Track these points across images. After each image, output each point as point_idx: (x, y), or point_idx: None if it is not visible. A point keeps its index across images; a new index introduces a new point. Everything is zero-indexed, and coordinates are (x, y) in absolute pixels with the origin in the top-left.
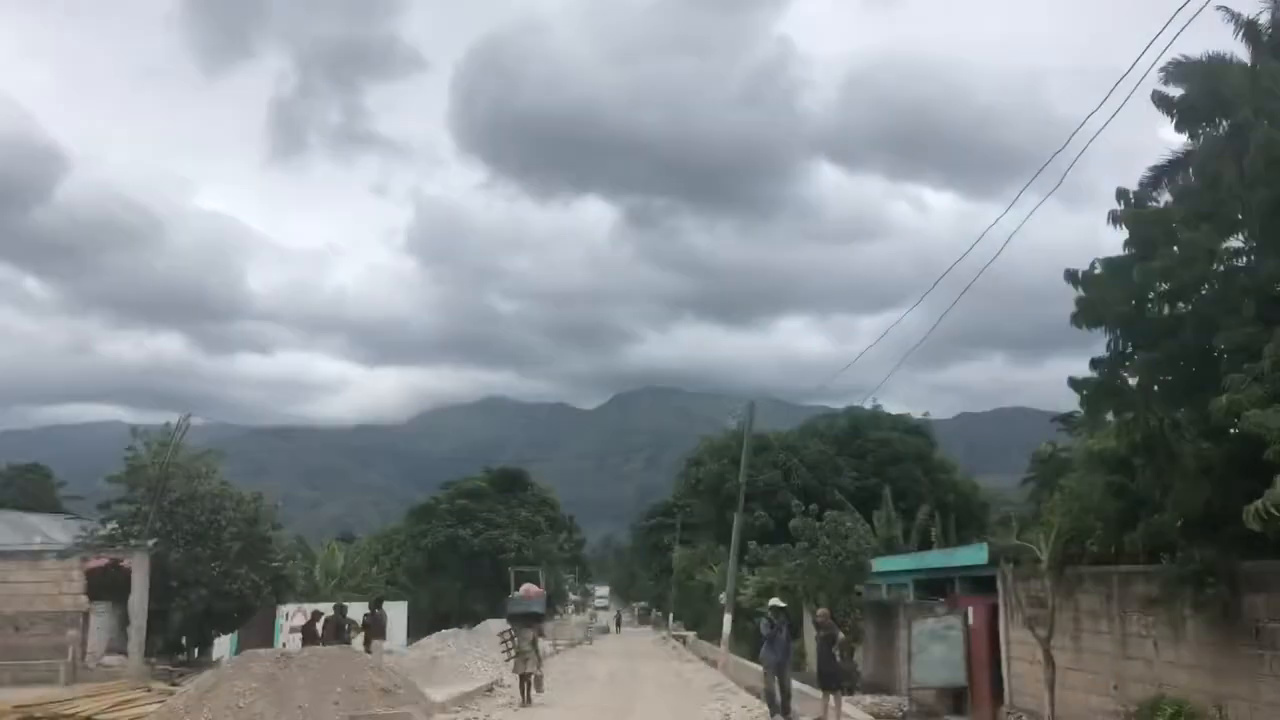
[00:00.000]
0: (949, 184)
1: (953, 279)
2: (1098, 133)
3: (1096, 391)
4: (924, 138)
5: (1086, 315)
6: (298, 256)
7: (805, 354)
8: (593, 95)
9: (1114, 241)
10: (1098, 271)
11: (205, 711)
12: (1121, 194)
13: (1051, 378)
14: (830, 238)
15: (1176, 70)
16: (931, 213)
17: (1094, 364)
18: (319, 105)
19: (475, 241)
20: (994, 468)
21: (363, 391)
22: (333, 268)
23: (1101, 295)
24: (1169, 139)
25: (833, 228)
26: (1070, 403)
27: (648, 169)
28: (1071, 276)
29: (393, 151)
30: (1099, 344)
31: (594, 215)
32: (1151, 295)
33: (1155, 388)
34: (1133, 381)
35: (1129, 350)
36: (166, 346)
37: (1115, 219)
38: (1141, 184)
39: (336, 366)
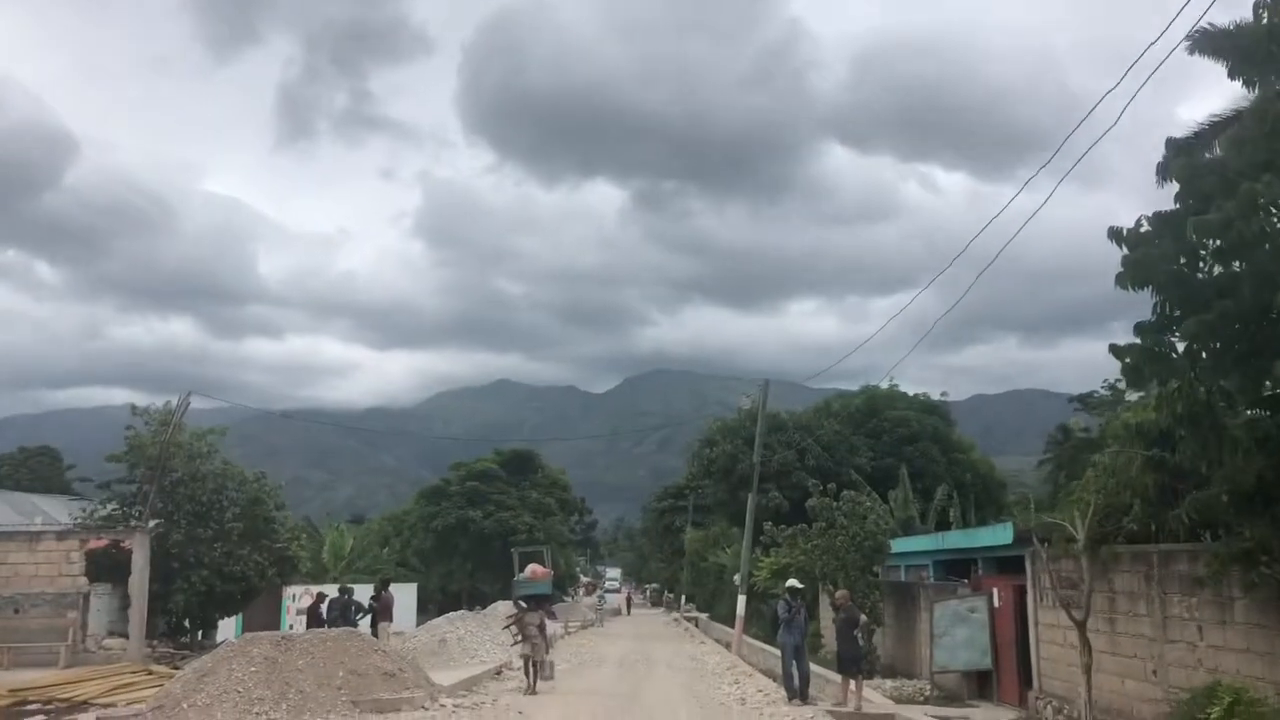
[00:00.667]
0: (960, 164)
1: (964, 260)
2: (1120, 113)
3: (1140, 359)
4: (934, 117)
5: (1133, 275)
6: (307, 240)
7: (817, 336)
8: (600, 76)
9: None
10: (1144, 229)
11: (203, 696)
12: (1172, 143)
13: (1066, 359)
14: (841, 219)
15: (1204, 38)
16: (943, 193)
17: (1138, 329)
18: (326, 89)
19: (483, 224)
20: (1008, 449)
21: (373, 375)
22: (342, 251)
23: (1149, 253)
24: (1187, 116)
25: (843, 209)
26: (1086, 383)
27: (656, 151)
28: (1116, 234)
29: (400, 135)
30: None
31: (602, 198)
32: (1204, 252)
33: (1204, 354)
34: (1181, 347)
35: (1176, 314)
36: (177, 331)
37: (1164, 171)
38: (1194, 134)
39: (346, 350)
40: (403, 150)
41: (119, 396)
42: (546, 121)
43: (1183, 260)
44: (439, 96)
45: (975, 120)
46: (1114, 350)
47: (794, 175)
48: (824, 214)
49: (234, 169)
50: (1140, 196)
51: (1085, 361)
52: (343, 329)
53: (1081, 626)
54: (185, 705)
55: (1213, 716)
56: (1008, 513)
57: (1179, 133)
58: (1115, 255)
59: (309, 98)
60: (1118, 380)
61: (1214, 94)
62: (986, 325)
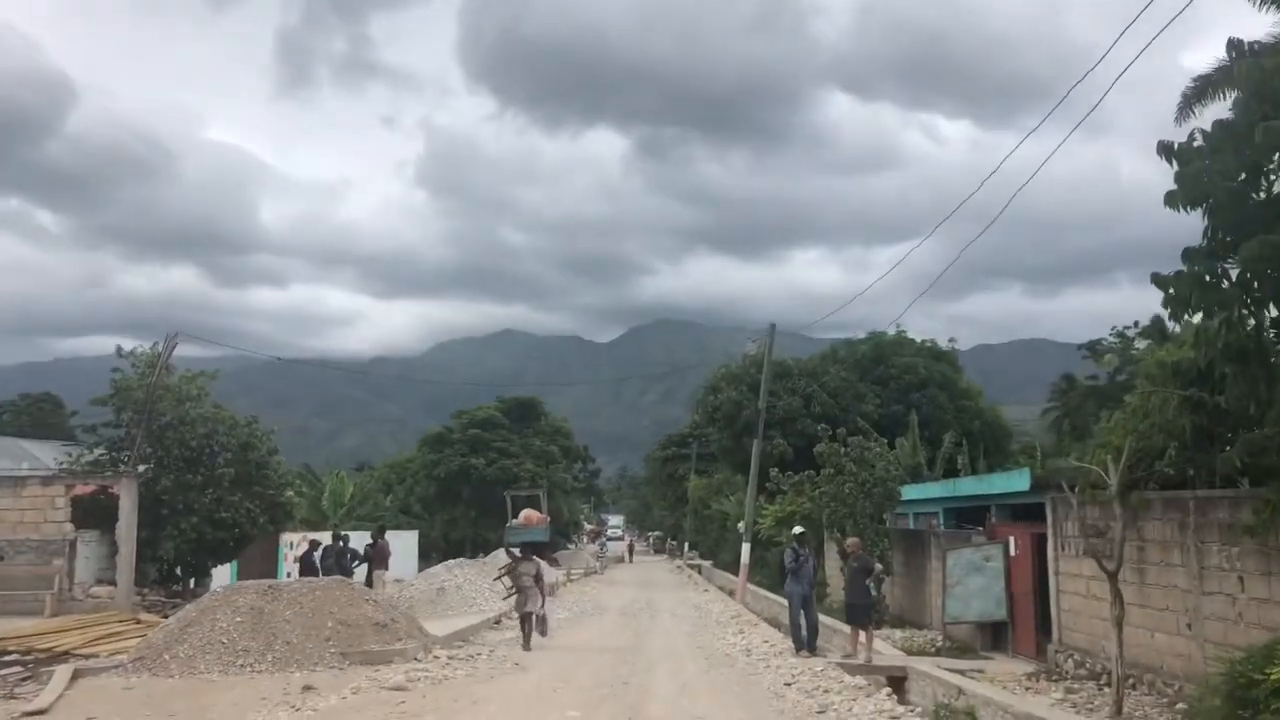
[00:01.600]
0: (963, 112)
1: (967, 210)
2: (1129, 65)
3: (1189, 287)
4: (938, 65)
5: (1187, 191)
6: (309, 189)
7: (820, 286)
8: (601, 21)
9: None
10: (1198, 143)
11: (185, 647)
12: (1234, 44)
13: (1069, 310)
14: (843, 168)
15: None
16: (946, 142)
17: (1187, 254)
18: (326, 35)
19: (486, 173)
20: (1011, 399)
21: (378, 324)
22: (344, 200)
23: (1207, 167)
24: (1191, 66)
25: (846, 157)
26: (1088, 333)
27: (657, 98)
28: (1166, 149)
29: (401, 82)
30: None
31: (604, 146)
32: (1270, 166)
33: (1259, 282)
34: (1234, 275)
35: (1227, 239)
36: (180, 279)
37: (1222, 79)
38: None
39: (350, 299)
40: (403, 97)
41: (124, 345)
42: (547, 68)
43: (1243, 176)
44: (439, 43)
45: (978, 68)
46: (1156, 280)
47: (796, 123)
48: (827, 163)
49: (235, 116)
50: (1138, 147)
51: (1088, 311)
52: (346, 278)
53: (1113, 577)
54: (167, 656)
55: (1273, 677)
56: (1013, 461)
57: (1182, 83)
58: (1118, 205)
59: (309, 43)
60: (1126, 328)
61: (1215, 43)
62: (989, 275)
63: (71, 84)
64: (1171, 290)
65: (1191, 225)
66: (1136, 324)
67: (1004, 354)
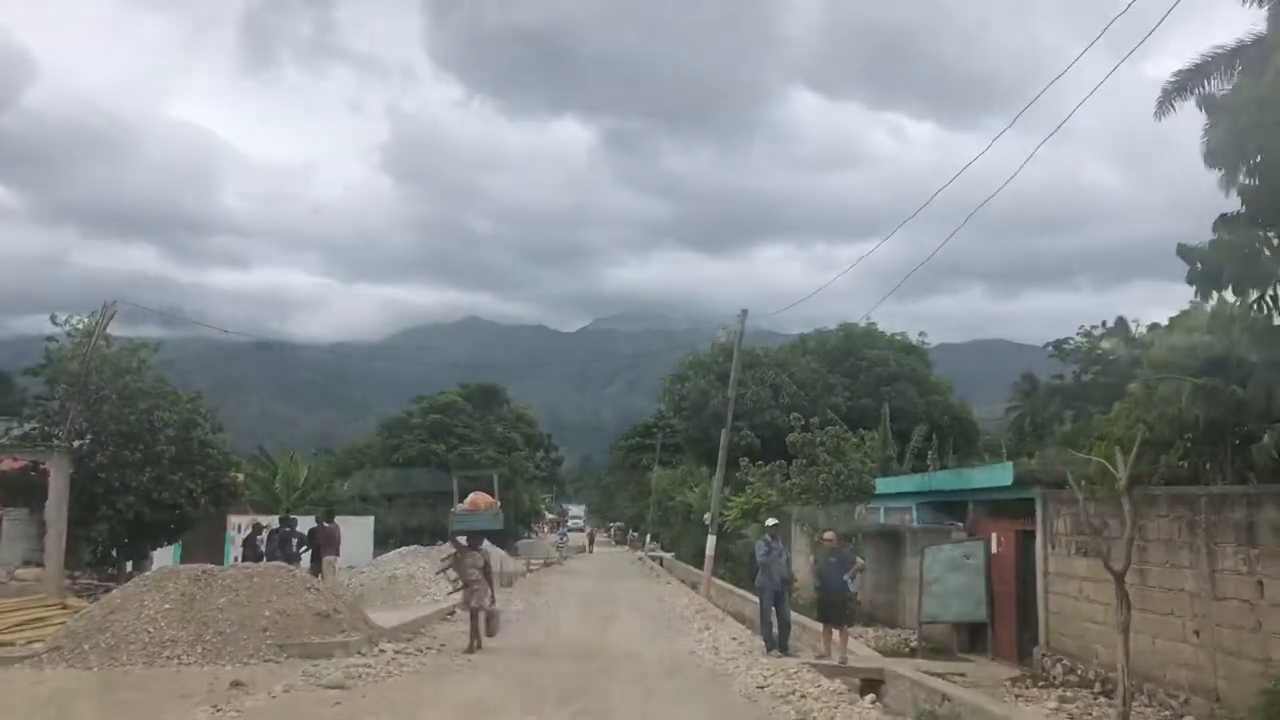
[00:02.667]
0: (929, 113)
1: (930, 210)
2: (1105, 78)
3: (1222, 258)
4: (904, 65)
5: (1232, 146)
6: (273, 171)
7: (785, 282)
8: (569, 11)
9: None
10: (1239, 95)
11: (108, 636)
12: None
13: (1027, 311)
14: (809, 165)
15: None
16: (911, 142)
17: (1222, 221)
18: (290, 17)
19: (452, 160)
20: (972, 398)
21: (341, 309)
22: (308, 184)
23: (1258, 119)
24: (1153, 74)
25: (811, 155)
26: (1049, 333)
27: (624, 89)
28: (1208, 101)
29: (367, 67)
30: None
31: (571, 136)
32: None
33: None
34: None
35: (1269, 205)
36: (141, 259)
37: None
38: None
39: (314, 283)
40: (369, 82)
41: (60, 315)
42: (515, 57)
43: None
44: (405, 28)
45: (946, 69)
46: (1183, 251)
47: (762, 120)
48: (793, 159)
49: (198, 95)
50: (1100, 152)
51: (1047, 313)
52: (310, 262)
53: (1120, 579)
54: (86, 646)
55: None
56: (979, 458)
57: (1150, 90)
58: (1078, 209)
59: (273, 25)
60: (1094, 327)
61: (1178, 54)
62: (951, 275)
63: (30, 58)
64: (1199, 264)
65: (1151, 230)
66: (1104, 324)
67: (964, 353)
